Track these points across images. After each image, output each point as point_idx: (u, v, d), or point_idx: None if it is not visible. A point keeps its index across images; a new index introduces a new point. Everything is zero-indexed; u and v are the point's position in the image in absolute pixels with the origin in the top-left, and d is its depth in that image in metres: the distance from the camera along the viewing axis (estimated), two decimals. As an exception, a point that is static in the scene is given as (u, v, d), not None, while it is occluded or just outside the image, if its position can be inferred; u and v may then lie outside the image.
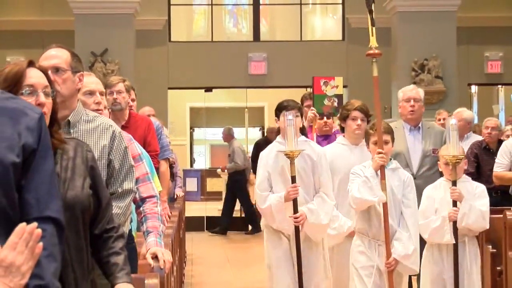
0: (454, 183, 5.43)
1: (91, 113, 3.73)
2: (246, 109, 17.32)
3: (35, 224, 1.94)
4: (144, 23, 14.50)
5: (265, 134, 14.01)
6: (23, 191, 2.38)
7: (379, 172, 5.28)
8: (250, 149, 15.99)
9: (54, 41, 4.05)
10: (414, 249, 5.31)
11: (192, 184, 14.96)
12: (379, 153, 5.26)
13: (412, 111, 6.54)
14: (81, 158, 2.90)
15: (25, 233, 1.91)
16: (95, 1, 13.20)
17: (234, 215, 15.19)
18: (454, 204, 5.43)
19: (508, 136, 10.14)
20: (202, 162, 22.91)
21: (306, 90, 10.51)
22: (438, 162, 5.78)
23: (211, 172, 19.95)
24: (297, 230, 5.43)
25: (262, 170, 5.63)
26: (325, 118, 7.07)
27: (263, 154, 5.74)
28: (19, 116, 2.42)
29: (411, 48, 13.51)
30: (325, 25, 16.95)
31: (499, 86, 17.55)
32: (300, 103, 6.30)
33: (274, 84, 15.74)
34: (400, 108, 6.68)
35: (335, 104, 7.03)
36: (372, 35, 5.45)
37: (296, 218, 5.39)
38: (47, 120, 2.83)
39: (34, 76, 2.85)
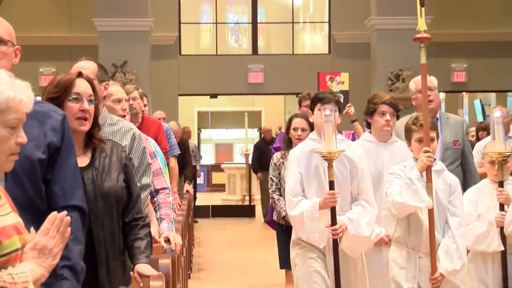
0: (500, 184, 4.21)
1: (114, 117, 3.72)
2: (246, 113, 17.31)
3: (64, 212, 1.94)
4: (158, 39, 14.48)
5: (262, 135, 13.94)
6: (50, 183, 2.39)
7: (424, 173, 3.99)
8: (250, 147, 15.97)
9: (80, 55, 4.04)
10: (463, 264, 4.01)
11: (199, 178, 14.94)
12: (426, 151, 3.96)
13: (429, 101, 4.86)
14: (117, 156, 2.92)
15: (56, 220, 1.92)
16: (116, 20, 13.16)
17: (235, 204, 15.21)
18: (501, 207, 4.20)
19: (473, 136, 10.11)
20: (208, 158, 23.00)
21: (297, 96, 10.46)
22: (482, 161, 4.55)
23: (216, 167, 19.93)
24: (335, 243, 4.03)
25: (293, 171, 4.18)
26: None
27: (293, 152, 4.27)
28: (45, 118, 2.42)
29: (387, 60, 13.50)
30: (313, 40, 16.92)
31: (464, 93, 17.59)
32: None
33: (269, 92, 15.77)
34: (415, 100, 5.22)
35: (341, 100, 6.52)
36: (421, 17, 4.10)
37: (335, 229, 3.98)
38: (90, 123, 2.84)
39: (81, 86, 2.86)
